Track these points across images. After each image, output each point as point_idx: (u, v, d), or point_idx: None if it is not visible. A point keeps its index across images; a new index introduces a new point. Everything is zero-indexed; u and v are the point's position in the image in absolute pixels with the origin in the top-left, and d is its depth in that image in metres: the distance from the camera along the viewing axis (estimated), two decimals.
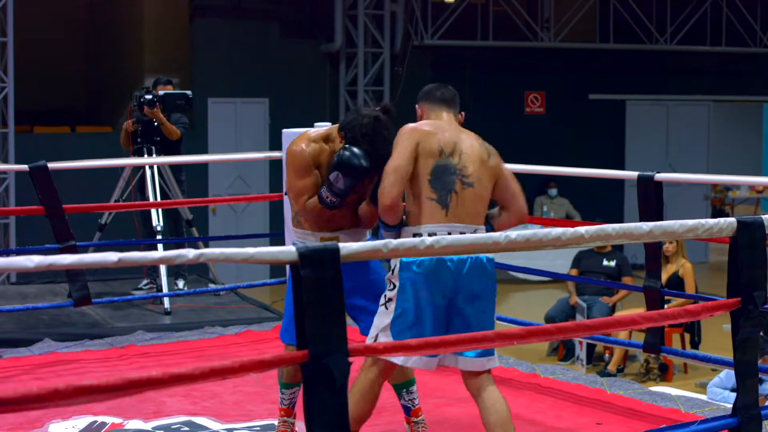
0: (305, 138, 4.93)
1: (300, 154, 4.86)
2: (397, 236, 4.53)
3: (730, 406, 3.72)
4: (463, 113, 4.81)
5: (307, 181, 4.85)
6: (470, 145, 4.57)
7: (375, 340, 4.48)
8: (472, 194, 4.48)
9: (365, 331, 5.00)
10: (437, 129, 4.56)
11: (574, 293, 11.18)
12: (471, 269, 4.41)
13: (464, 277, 4.41)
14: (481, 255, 4.41)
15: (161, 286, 8.62)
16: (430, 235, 4.26)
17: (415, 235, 4.40)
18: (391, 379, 5.03)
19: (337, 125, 4.95)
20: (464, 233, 4.36)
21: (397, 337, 4.38)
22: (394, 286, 4.45)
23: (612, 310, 11.03)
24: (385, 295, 4.50)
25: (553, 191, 16.39)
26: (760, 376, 3.79)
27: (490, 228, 4.63)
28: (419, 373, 6.53)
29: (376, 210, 4.66)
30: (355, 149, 4.69)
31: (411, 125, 4.58)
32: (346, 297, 4.85)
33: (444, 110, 4.72)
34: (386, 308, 4.48)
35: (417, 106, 4.79)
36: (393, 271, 4.48)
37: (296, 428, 5.20)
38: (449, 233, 4.34)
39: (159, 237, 8.63)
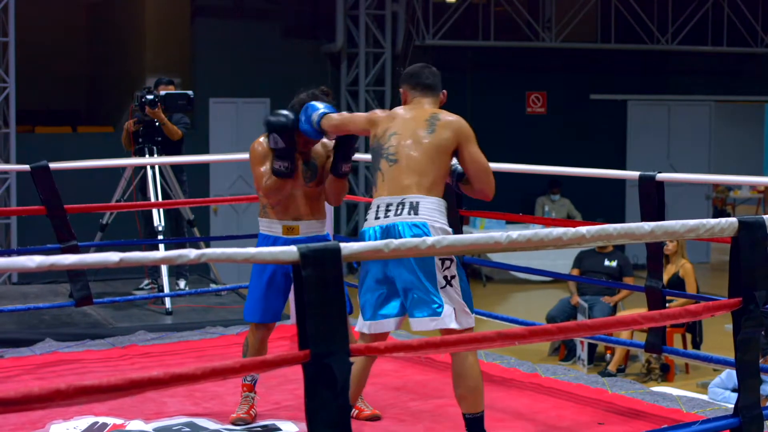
0: (264, 134, 5.44)
1: (256, 147, 5.45)
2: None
3: (732, 406, 3.72)
4: (444, 91, 5.04)
5: (263, 167, 5.40)
6: (409, 124, 4.82)
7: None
8: (397, 170, 4.74)
9: None
10: (387, 117, 4.93)
11: (576, 293, 11.18)
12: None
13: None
14: (402, 222, 4.67)
15: (162, 286, 8.62)
16: (369, 208, 4.82)
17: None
18: None
19: None
20: (390, 204, 4.70)
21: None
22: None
23: (613, 310, 11.02)
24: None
25: (556, 197, 16.39)
26: (761, 376, 3.79)
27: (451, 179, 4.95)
28: (420, 373, 6.54)
29: (342, 183, 5.36)
30: (277, 111, 5.27)
31: (374, 112, 5.06)
32: None
33: (417, 96, 4.97)
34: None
35: (400, 88, 5.05)
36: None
37: (255, 407, 5.62)
38: (377, 205, 4.74)
39: (160, 237, 8.64)
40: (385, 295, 4.76)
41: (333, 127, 5.11)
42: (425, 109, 4.91)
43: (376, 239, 4.64)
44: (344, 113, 5.17)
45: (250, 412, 5.58)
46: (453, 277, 4.68)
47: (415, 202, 4.69)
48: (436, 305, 4.62)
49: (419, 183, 4.72)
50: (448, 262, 4.68)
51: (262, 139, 5.44)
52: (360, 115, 5.15)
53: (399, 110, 4.97)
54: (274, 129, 5.22)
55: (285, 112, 5.26)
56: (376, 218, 4.75)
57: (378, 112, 5.05)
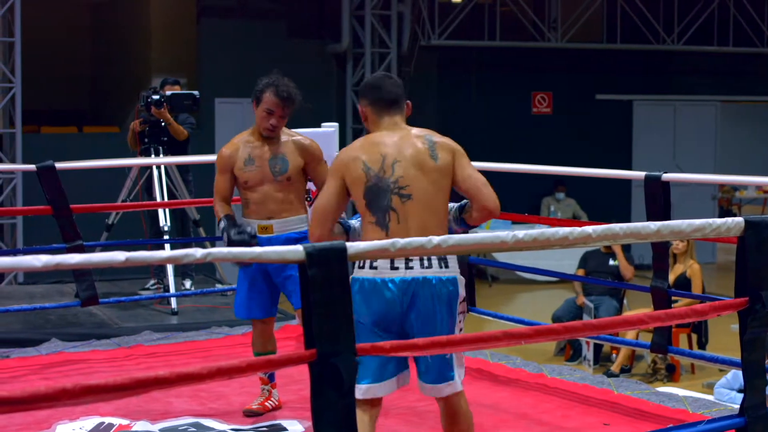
0: (234, 138, 5.62)
1: (219, 155, 5.58)
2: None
3: (737, 406, 3.72)
4: (409, 102, 4.45)
5: (219, 179, 5.56)
6: (407, 151, 4.25)
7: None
8: (414, 207, 4.19)
9: (298, 305, 5.18)
10: (369, 145, 4.29)
11: (581, 293, 11.17)
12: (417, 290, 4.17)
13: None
14: (435, 276, 4.17)
15: (168, 286, 8.62)
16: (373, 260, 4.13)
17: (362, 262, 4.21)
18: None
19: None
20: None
21: None
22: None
23: (619, 310, 11.02)
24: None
25: (561, 195, 16.38)
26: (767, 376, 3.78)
27: (453, 221, 4.38)
28: None
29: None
30: (240, 230, 5.35)
31: (337, 156, 4.38)
32: (281, 269, 5.46)
33: (386, 114, 4.36)
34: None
35: (359, 105, 4.47)
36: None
37: (273, 397, 5.80)
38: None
39: (166, 237, 8.64)
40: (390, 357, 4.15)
41: (318, 241, 4.12)
42: (410, 130, 4.34)
43: (395, 294, 4.13)
44: (313, 212, 4.35)
45: (265, 404, 5.75)
46: (461, 330, 4.29)
47: None
48: (449, 369, 4.21)
49: (439, 224, 4.23)
50: (461, 316, 4.28)
51: (224, 148, 5.57)
52: (329, 189, 4.31)
53: (376, 136, 4.33)
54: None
55: (248, 230, 5.33)
56: (394, 268, 4.14)
57: (336, 161, 4.35)
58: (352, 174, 4.24)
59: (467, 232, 4.23)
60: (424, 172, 4.22)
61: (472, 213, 4.35)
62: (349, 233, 4.42)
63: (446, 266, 4.17)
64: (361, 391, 4.10)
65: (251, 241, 5.29)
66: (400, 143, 4.27)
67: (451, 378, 4.21)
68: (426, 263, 4.13)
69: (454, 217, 4.39)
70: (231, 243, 5.31)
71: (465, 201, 4.39)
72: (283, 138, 5.55)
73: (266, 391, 5.79)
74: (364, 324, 4.15)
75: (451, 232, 4.33)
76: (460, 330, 4.26)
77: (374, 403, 4.25)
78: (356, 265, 4.22)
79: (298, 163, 5.52)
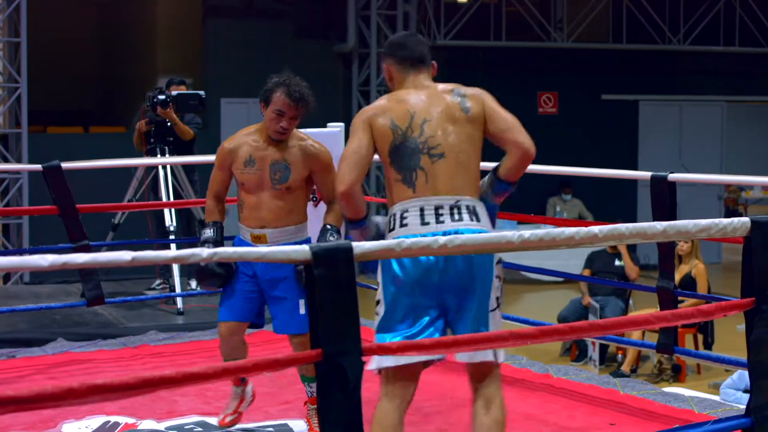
0: (238, 133, 5.25)
1: (220, 149, 5.21)
2: (363, 233, 4.20)
3: (743, 407, 3.71)
4: (434, 63, 4.33)
5: (216, 174, 5.23)
6: (436, 108, 4.14)
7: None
8: (445, 166, 4.07)
9: (278, 330, 5.24)
10: (395, 103, 4.18)
11: (587, 294, 11.16)
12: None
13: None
14: (466, 228, 4.02)
15: (174, 286, 8.63)
16: (402, 213, 4.06)
17: (390, 215, 4.13)
18: (303, 371, 5.25)
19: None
20: (441, 205, 4.01)
21: None
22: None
23: (625, 310, 11.01)
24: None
25: (567, 196, 16.37)
26: None
27: (491, 189, 4.20)
28: (433, 373, 6.52)
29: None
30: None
31: (362, 111, 4.23)
32: (271, 288, 5.13)
33: (413, 72, 4.26)
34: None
35: (384, 64, 4.34)
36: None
37: (246, 398, 5.57)
38: (421, 208, 4.02)
39: (172, 237, 8.64)
40: (427, 323, 4.02)
41: (350, 186, 4.09)
42: (437, 86, 4.22)
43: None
44: (344, 158, 4.15)
45: (238, 410, 5.54)
46: (499, 297, 4.11)
47: (472, 206, 4.06)
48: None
49: (471, 183, 4.11)
50: (498, 281, 4.10)
51: (226, 143, 5.20)
52: (359, 135, 4.16)
53: (402, 94, 4.21)
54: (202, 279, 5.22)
55: (219, 271, 5.11)
56: (424, 223, 4.02)
57: (363, 112, 4.22)
58: (378, 130, 4.13)
59: (510, 194, 4.20)
60: (456, 126, 4.12)
61: (507, 161, 4.20)
62: (378, 229, 4.24)
63: (477, 219, 4.06)
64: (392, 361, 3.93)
65: (214, 275, 5.10)
66: (429, 101, 4.16)
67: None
68: (456, 216, 4.02)
69: (490, 184, 4.21)
70: (199, 269, 5.14)
71: (495, 165, 4.23)
72: (291, 142, 5.11)
73: (239, 393, 5.51)
74: (403, 283, 3.99)
75: (489, 208, 4.17)
76: (499, 298, 4.08)
77: (407, 380, 4.04)
78: (387, 228, 4.13)
79: (302, 173, 5.10)
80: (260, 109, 5.14)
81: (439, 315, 4.03)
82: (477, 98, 4.20)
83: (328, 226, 5.14)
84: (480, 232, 3.97)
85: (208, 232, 5.21)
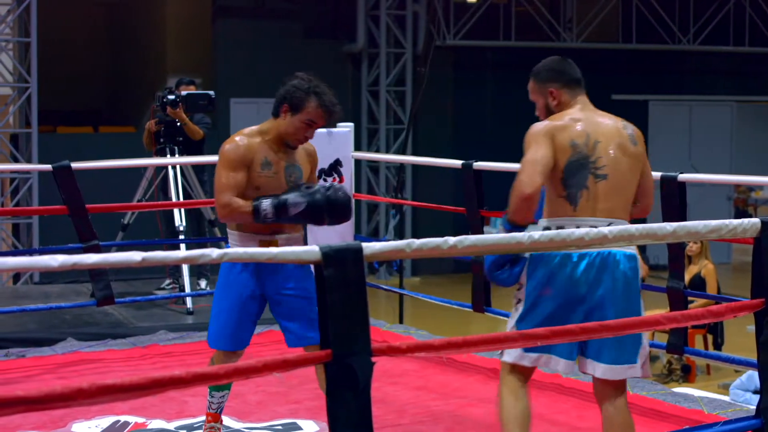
0: (240, 133, 4.87)
1: (234, 148, 4.75)
2: None
3: (753, 407, 3.70)
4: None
5: (236, 176, 4.72)
6: (607, 131, 4.22)
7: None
8: (606, 188, 4.14)
9: (293, 343, 4.80)
10: (570, 121, 4.22)
11: None
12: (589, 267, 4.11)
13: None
14: (619, 251, 4.13)
15: (184, 285, 8.63)
16: (557, 229, 4.07)
17: (544, 229, 4.14)
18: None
19: (269, 120, 4.93)
20: (596, 226, 3.80)
21: None
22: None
23: None
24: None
25: None
26: None
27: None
28: (441, 373, 6.52)
29: None
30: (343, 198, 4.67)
31: (541, 124, 4.24)
32: (277, 303, 4.81)
33: (579, 94, 4.38)
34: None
35: (547, 89, 4.43)
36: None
37: None
38: (578, 226, 3.97)
39: (182, 237, 8.65)
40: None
41: (537, 190, 4.07)
42: (609, 114, 4.32)
43: (592, 269, 4.10)
44: (530, 163, 4.11)
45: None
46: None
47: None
48: (632, 349, 4.19)
49: (624, 206, 4.20)
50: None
51: (238, 139, 4.82)
52: (542, 144, 4.15)
53: (575, 113, 4.29)
54: (327, 213, 4.71)
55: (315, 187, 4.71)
56: None
57: (545, 124, 4.23)
58: (559, 144, 4.16)
59: None
60: (625, 155, 4.21)
61: (634, 210, 4.33)
62: None
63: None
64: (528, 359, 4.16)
65: (344, 198, 4.71)
66: (600, 123, 4.25)
67: (633, 362, 4.19)
68: None
69: None
70: (329, 202, 4.65)
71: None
72: None
73: (216, 429, 5.04)
74: (549, 291, 4.10)
75: None
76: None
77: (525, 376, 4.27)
78: None
79: (307, 173, 4.95)
80: (277, 110, 4.92)
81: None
82: (640, 138, 4.32)
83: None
84: (631, 255, 4.16)
85: (265, 200, 4.69)
